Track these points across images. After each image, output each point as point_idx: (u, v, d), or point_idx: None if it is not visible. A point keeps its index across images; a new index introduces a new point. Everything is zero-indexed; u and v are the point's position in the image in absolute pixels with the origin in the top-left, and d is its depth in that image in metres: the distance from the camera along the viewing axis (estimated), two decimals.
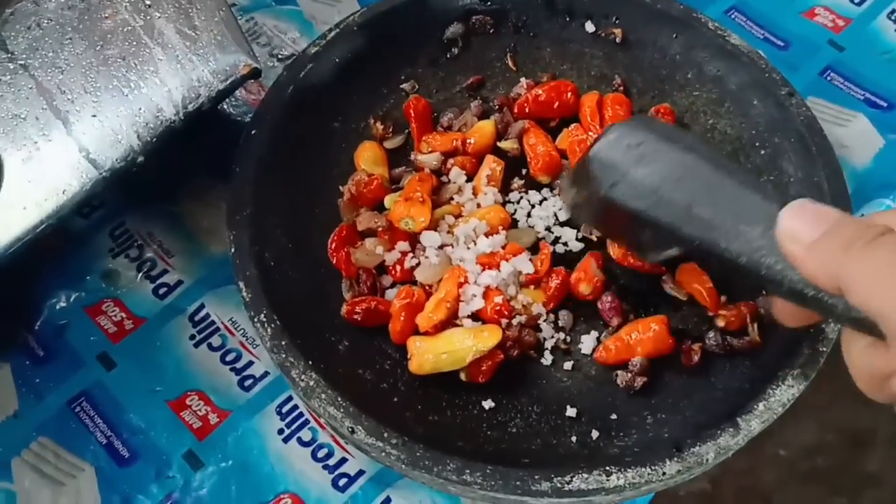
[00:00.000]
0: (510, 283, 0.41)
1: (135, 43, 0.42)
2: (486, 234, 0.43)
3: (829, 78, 0.54)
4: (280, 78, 0.47)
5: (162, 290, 0.45)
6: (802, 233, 0.28)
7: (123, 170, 0.43)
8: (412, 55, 0.50)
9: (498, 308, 0.40)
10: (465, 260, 0.42)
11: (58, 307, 0.45)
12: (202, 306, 0.45)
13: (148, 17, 0.43)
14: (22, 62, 0.40)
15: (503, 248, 0.43)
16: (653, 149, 0.33)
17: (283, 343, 0.38)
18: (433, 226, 0.44)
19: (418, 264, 0.43)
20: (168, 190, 0.49)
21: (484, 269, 0.42)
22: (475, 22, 0.51)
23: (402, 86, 0.50)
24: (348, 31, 0.48)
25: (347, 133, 0.48)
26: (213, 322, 0.44)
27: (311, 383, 0.37)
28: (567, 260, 0.44)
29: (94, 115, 0.42)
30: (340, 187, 0.46)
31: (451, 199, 0.45)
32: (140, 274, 0.46)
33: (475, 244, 0.43)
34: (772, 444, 0.43)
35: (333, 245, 0.44)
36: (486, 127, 0.47)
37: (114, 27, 0.42)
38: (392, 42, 0.50)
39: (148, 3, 0.43)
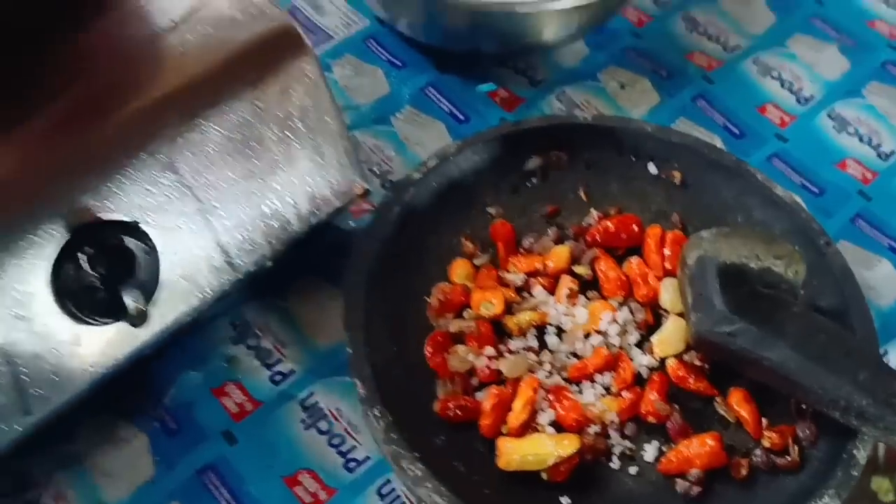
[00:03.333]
0: (593, 397, 0.48)
1: (275, 167, 0.50)
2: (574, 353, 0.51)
3: (858, 224, 0.62)
4: (387, 199, 0.55)
5: (276, 378, 0.52)
6: None
7: (254, 273, 0.50)
8: (497, 183, 0.58)
9: (577, 420, 0.47)
10: (549, 366, 0.50)
11: (187, 386, 0.51)
12: (311, 394, 0.51)
13: (287, 146, 0.50)
14: (188, 183, 0.47)
15: (586, 359, 0.50)
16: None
17: (394, 436, 0.45)
18: (520, 332, 0.51)
19: (502, 358, 0.50)
20: (280, 287, 0.56)
21: (570, 382, 0.49)
22: (552, 157, 0.58)
23: (488, 209, 0.58)
24: (445, 161, 0.56)
25: (442, 249, 0.56)
26: (321, 409, 0.51)
27: (419, 473, 0.44)
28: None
29: (238, 226, 0.49)
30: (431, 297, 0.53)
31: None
32: (257, 361, 0.53)
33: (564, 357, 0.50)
34: None
35: (430, 350, 0.51)
36: (563, 252, 0.55)
37: (260, 153, 0.49)
38: (481, 171, 0.58)
39: (289, 134, 0.50)
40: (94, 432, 0.49)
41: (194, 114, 0.46)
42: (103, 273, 0.43)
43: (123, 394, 0.49)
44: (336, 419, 0.51)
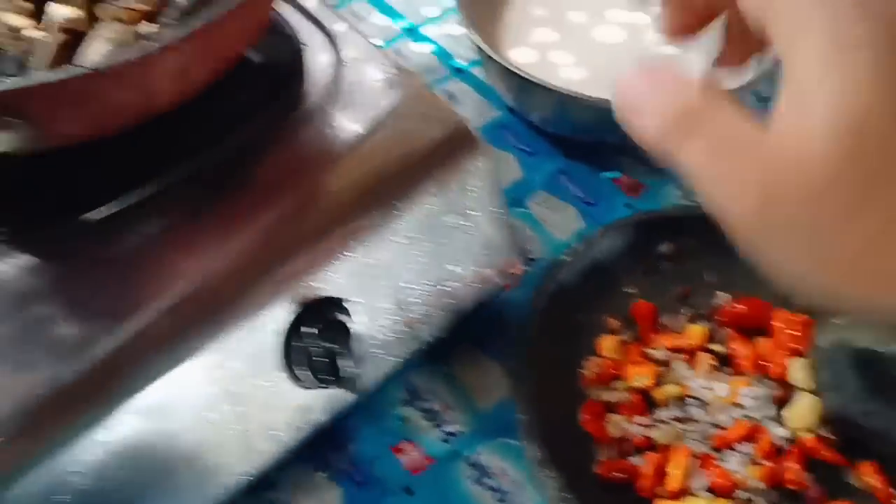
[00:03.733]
0: (739, 465, 0.54)
1: (452, 250, 0.57)
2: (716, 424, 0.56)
3: None
4: (543, 281, 0.61)
5: (446, 437, 0.58)
6: None
7: (431, 342, 0.57)
8: (634, 265, 0.65)
9: (728, 485, 0.53)
10: (695, 434, 0.55)
11: (369, 442, 0.58)
12: (478, 453, 0.58)
13: (463, 232, 0.57)
14: (385, 265, 0.54)
15: (728, 429, 0.56)
16: None
17: (566, 495, 0.51)
18: (666, 402, 0.57)
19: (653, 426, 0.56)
20: (443, 354, 0.62)
21: (717, 449, 0.55)
22: (683, 242, 0.65)
23: (626, 289, 0.64)
24: (589, 245, 0.63)
25: (588, 324, 0.62)
26: (487, 466, 0.57)
27: None
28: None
29: (422, 302, 0.56)
30: (582, 370, 0.60)
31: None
32: (427, 421, 0.59)
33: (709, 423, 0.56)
34: None
35: (587, 416, 0.57)
36: (699, 331, 0.61)
37: (441, 239, 0.56)
38: (619, 254, 0.64)
39: (464, 221, 0.57)
40: (295, 481, 0.55)
41: (390, 207, 0.53)
42: (324, 344, 0.50)
43: (318, 447, 0.56)
44: (501, 476, 0.57)
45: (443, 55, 0.85)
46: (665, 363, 0.60)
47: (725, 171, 0.24)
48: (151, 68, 0.39)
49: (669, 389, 0.58)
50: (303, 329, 0.50)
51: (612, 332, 0.62)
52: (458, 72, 0.83)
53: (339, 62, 0.59)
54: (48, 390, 0.43)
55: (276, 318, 0.49)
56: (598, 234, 0.64)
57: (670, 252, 0.65)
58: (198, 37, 0.39)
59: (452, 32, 0.87)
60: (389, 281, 0.54)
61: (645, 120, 0.27)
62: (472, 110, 0.80)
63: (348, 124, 0.56)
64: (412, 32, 0.87)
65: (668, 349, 0.60)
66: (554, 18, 0.81)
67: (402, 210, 0.53)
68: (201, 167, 0.52)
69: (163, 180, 0.51)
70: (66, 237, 0.49)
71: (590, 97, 0.68)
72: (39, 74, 0.35)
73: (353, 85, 0.58)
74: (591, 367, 0.59)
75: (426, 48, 0.85)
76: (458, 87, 0.82)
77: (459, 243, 0.57)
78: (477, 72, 0.83)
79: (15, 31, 0.49)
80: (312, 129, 0.56)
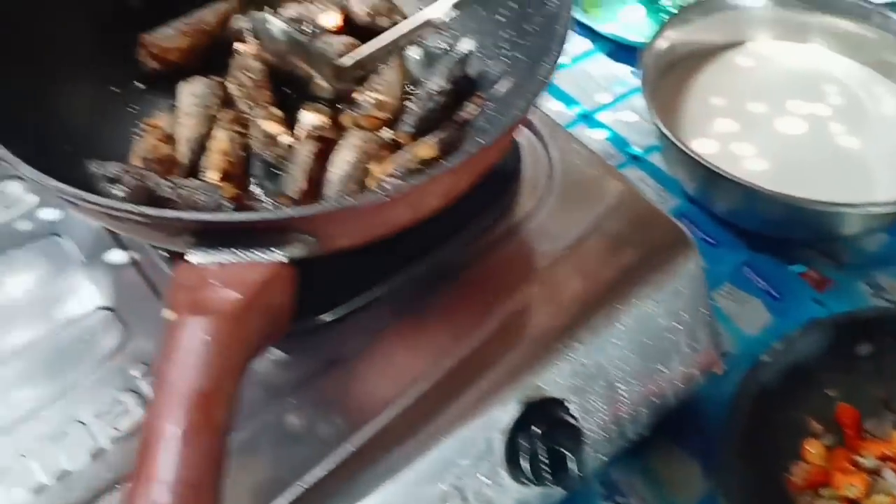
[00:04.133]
0: None
1: (663, 351, 0.58)
2: None
3: None
4: (744, 381, 0.62)
5: None
6: None
7: (636, 441, 0.58)
8: (833, 366, 0.64)
9: None
10: None
11: None
12: None
13: (673, 333, 0.58)
14: (601, 365, 0.55)
15: None
16: None
17: None
18: None
19: None
20: (640, 447, 0.63)
21: None
22: (884, 343, 0.64)
23: (826, 390, 0.64)
24: (789, 345, 0.63)
25: (792, 426, 0.62)
26: None
27: None
28: None
29: (632, 401, 0.57)
30: (788, 475, 0.59)
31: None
32: None
33: None
34: None
35: None
36: None
37: (653, 339, 0.57)
38: (819, 355, 0.64)
39: (676, 323, 0.58)
40: None
41: (611, 309, 0.55)
42: (549, 444, 0.52)
43: None
44: None
45: (618, 141, 0.87)
46: (875, 472, 0.59)
47: None
48: (430, 191, 0.41)
49: (880, 500, 0.57)
50: (532, 428, 0.51)
51: (815, 435, 0.61)
52: (635, 159, 0.85)
53: (550, 161, 0.61)
54: (293, 487, 0.45)
55: (499, 416, 0.51)
56: (797, 335, 0.64)
57: (870, 353, 0.64)
58: (472, 161, 0.41)
59: (626, 119, 0.89)
60: (603, 381, 0.56)
61: None
62: (651, 198, 0.81)
63: (564, 225, 0.58)
64: (587, 118, 0.89)
65: (877, 458, 0.59)
66: (734, 108, 0.82)
67: (621, 313, 0.55)
68: (427, 268, 0.55)
69: (390, 282, 0.54)
70: (305, 335, 0.52)
71: (780, 193, 0.69)
72: (343, 200, 0.38)
73: (565, 186, 0.60)
74: (799, 473, 0.59)
75: (601, 134, 0.87)
76: (635, 174, 0.83)
77: (668, 343, 0.58)
78: (654, 159, 0.84)
79: (270, 138, 0.53)
80: (530, 230, 0.58)
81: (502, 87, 0.56)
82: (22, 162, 0.40)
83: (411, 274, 0.54)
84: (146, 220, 0.38)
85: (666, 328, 0.57)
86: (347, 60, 0.55)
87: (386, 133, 0.54)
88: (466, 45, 0.59)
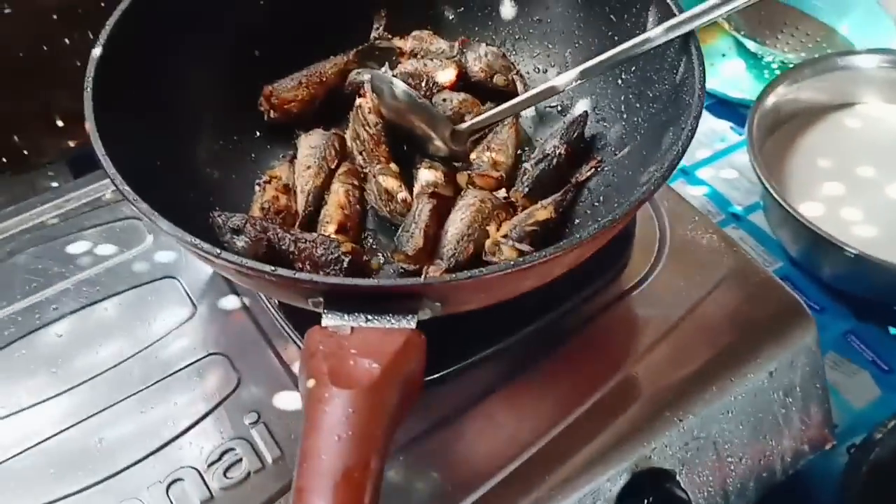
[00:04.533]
0: None
1: (771, 426, 0.56)
2: None
3: None
4: (856, 455, 0.60)
5: None
6: None
7: None
8: None
9: None
10: None
11: None
12: None
13: (786, 409, 0.56)
14: (712, 438, 0.54)
15: None
16: None
17: None
18: None
19: None
20: None
21: None
22: None
23: None
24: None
25: None
26: None
27: None
28: None
29: (738, 475, 0.56)
30: None
31: None
32: None
33: None
34: None
35: None
36: None
37: (765, 414, 0.56)
38: None
39: (789, 398, 0.56)
40: None
41: (723, 382, 0.54)
42: None
43: None
44: None
45: (717, 199, 0.85)
46: None
47: None
48: (558, 262, 0.41)
49: None
50: (643, 501, 0.50)
51: None
52: (735, 217, 0.83)
53: (659, 223, 0.61)
54: None
55: (607, 486, 0.50)
56: None
57: None
58: (602, 233, 0.41)
59: (726, 176, 0.88)
60: (712, 454, 0.54)
61: None
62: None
63: (677, 292, 0.57)
64: (687, 174, 0.88)
65: None
66: (842, 171, 0.80)
67: (735, 385, 0.54)
68: (537, 332, 0.54)
69: (500, 344, 0.53)
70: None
71: (889, 262, 0.67)
72: (488, 269, 0.38)
73: (676, 249, 0.59)
74: None
75: (700, 190, 0.86)
76: (735, 233, 0.82)
77: (780, 417, 0.56)
78: (755, 218, 0.83)
79: (388, 194, 0.54)
80: (642, 295, 0.57)
81: (619, 149, 0.56)
82: (161, 217, 0.41)
83: (521, 337, 0.54)
84: (281, 280, 0.38)
85: (779, 402, 0.56)
86: (467, 125, 0.55)
87: (501, 193, 0.54)
88: (582, 105, 0.59)
